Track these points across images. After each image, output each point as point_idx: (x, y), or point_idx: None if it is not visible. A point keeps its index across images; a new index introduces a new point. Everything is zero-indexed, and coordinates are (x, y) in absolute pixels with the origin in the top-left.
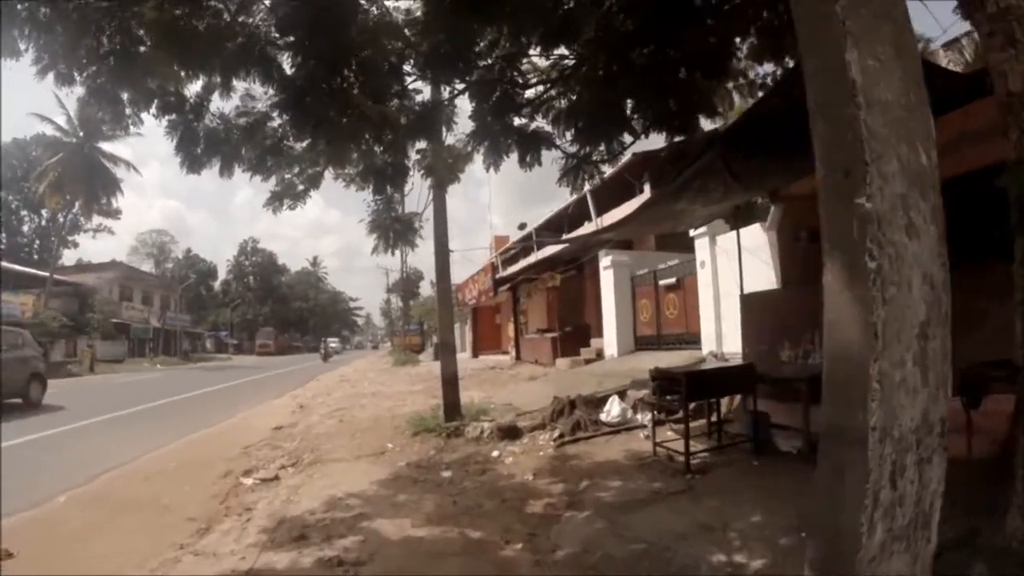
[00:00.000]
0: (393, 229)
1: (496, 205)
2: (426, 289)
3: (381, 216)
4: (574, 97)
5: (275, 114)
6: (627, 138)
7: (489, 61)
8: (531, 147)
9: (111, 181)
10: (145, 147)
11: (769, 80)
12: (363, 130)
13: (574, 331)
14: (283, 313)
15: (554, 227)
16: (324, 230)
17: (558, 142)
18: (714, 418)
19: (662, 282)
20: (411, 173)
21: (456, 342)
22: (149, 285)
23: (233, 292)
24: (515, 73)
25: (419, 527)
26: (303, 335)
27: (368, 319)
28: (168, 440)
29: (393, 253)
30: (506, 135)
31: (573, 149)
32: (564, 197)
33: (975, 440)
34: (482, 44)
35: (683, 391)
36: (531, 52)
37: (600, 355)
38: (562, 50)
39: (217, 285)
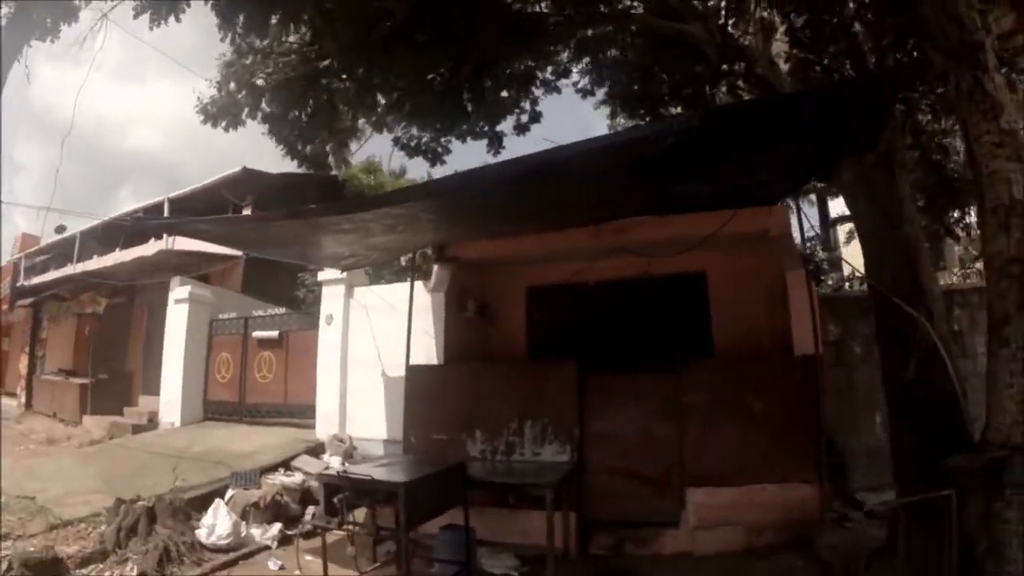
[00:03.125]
0: None
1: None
2: None
3: None
4: None
5: None
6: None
7: None
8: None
9: None
10: None
11: None
12: None
13: (111, 379)
14: None
15: (102, 236)
16: None
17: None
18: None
19: (257, 334)
20: None
21: None
22: None
23: None
24: None
25: None
26: None
27: None
28: None
29: None
30: None
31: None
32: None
33: None
34: None
35: (404, 511)
36: None
37: (153, 420)
38: None
39: None
